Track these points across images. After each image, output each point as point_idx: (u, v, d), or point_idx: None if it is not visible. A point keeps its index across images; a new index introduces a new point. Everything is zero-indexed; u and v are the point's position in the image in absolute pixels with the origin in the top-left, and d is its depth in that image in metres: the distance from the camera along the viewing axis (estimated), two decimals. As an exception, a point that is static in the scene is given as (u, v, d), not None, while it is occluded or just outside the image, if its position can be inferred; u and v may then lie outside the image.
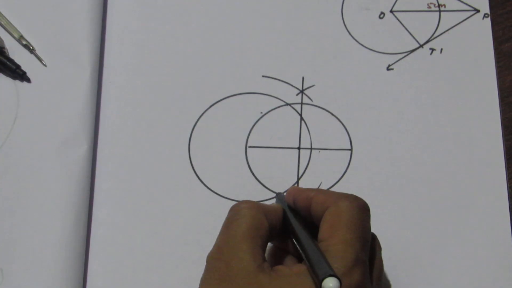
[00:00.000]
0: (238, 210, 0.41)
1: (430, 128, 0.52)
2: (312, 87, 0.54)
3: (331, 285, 0.34)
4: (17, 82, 0.54)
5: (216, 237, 0.48)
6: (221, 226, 0.49)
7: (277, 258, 0.44)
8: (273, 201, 0.50)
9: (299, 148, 0.52)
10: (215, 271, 0.39)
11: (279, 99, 0.54)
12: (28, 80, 0.53)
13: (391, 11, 0.57)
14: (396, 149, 0.52)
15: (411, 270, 0.48)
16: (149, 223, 0.49)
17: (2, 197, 0.50)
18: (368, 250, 0.39)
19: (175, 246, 0.49)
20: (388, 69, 0.55)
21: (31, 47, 0.54)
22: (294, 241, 0.40)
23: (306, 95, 0.54)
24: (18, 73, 0.53)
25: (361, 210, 0.39)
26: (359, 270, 0.37)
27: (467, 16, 0.56)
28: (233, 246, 0.39)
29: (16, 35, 0.55)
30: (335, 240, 0.38)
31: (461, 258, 0.48)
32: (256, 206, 0.41)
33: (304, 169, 0.51)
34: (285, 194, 0.45)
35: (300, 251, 0.39)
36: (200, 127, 0.53)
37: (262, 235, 0.40)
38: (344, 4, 0.57)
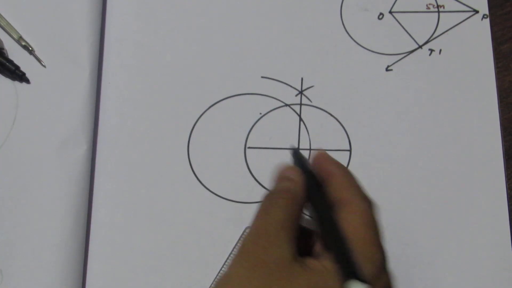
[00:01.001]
0: (276, 198, 0.40)
1: (429, 129, 0.52)
2: (311, 88, 0.54)
3: None
4: (16, 83, 0.54)
5: (218, 236, 0.48)
6: (223, 225, 0.49)
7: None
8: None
9: (298, 149, 0.52)
10: (250, 254, 0.38)
11: (278, 100, 0.54)
12: (28, 81, 0.53)
13: (390, 12, 0.57)
14: (395, 150, 0.52)
15: (410, 270, 0.48)
16: (148, 224, 0.49)
17: (2, 197, 0.50)
18: None
19: (174, 247, 0.49)
20: (387, 70, 0.55)
21: (30, 48, 0.54)
22: (321, 229, 0.40)
23: (305, 96, 0.54)
24: (17, 74, 0.53)
25: (376, 209, 0.39)
26: (388, 274, 0.37)
27: (466, 17, 0.56)
28: (272, 234, 0.38)
29: (15, 36, 0.55)
30: (362, 241, 0.37)
31: (460, 258, 0.48)
32: (295, 197, 0.40)
33: (303, 169, 0.51)
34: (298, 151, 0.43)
35: (329, 244, 0.38)
36: (199, 127, 0.53)
37: (297, 226, 0.39)
38: (343, 5, 0.57)
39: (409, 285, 0.48)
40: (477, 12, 0.56)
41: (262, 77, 0.55)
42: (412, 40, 0.56)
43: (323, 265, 0.37)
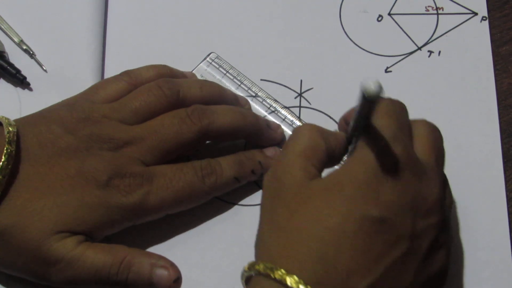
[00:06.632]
0: (298, 131, 0.42)
1: (428, 131, 0.52)
2: (310, 90, 0.55)
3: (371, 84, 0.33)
4: (19, 89, 0.53)
5: (218, 238, 0.48)
6: (223, 227, 0.49)
7: None
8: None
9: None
10: (269, 190, 0.40)
11: (277, 102, 0.54)
12: (28, 85, 0.53)
13: (389, 14, 0.57)
14: (394, 152, 0.52)
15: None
16: (148, 224, 0.49)
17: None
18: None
19: (173, 248, 0.49)
20: (386, 71, 0.55)
21: (31, 52, 0.54)
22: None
23: (304, 98, 0.54)
24: (18, 78, 0.53)
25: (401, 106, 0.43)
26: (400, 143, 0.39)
27: (465, 19, 0.56)
28: (286, 164, 0.40)
29: (16, 40, 0.55)
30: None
31: (458, 261, 0.48)
32: (316, 128, 0.42)
33: (302, 172, 0.51)
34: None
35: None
36: (199, 130, 0.53)
37: (319, 156, 0.40)
38: (342, 7, 0.57)
39: None
40: (476, 14, 0.56)
41: (261, 79, 0.55)
42: (411, 42, 0.56)
43: (340, 166, 0.39)
